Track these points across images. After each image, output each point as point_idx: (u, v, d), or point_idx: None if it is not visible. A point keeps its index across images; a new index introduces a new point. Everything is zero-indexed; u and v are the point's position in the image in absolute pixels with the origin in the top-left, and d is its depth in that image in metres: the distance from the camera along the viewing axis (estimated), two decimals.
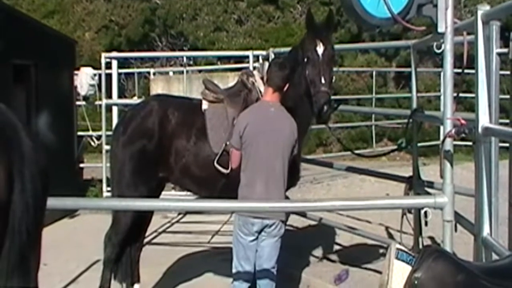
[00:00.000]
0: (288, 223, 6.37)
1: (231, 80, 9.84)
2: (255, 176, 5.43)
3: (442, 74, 6.54)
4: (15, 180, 1.90)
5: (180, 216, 10.77)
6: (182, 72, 13.21)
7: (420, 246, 5.94)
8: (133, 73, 19.96)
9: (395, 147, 6.59)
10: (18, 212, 1.91)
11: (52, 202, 2.16)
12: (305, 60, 5.60)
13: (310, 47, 5.61)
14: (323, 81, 5.47)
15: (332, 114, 5.73)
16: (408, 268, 2.18)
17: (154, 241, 9.19)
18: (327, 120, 5.73)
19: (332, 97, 5.66)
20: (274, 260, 5.53)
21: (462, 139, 4.25)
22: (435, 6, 4.08)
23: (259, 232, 5.46)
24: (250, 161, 5.47)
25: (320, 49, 5.58)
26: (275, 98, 5.59)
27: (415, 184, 6.29)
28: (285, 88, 5.60)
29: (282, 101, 5.66)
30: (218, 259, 7.78)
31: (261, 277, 5.50)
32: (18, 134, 1.97)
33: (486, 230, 3.90)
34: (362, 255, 7.89)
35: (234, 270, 5.60)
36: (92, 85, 12.79)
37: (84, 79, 12.69)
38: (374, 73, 19.06)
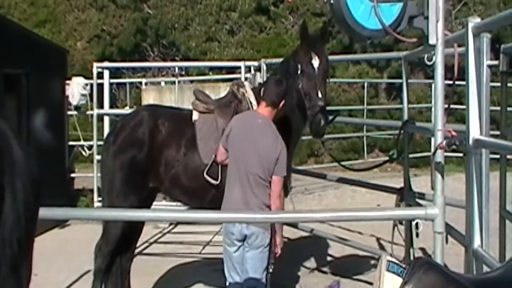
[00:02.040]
0: None
1: (223, 90, 9.85)
2: (233, 180, 5.40)
3: (433, 85, 6.56)
4: (6, 190, 1.88)
5: (171, 226, 10.76)
6: (174, 82, 13.21)
7: (412, 258, 5.94)
8: (125, 83, 19.91)
9: (387, 158, 6.60)
10: (9, 223, 1.89)
11: (43, 212, 2.14)
12: (299, 72, 5.58)
13: (304, 59, 5.59)
14: (319, 95, 5.46)
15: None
16: (399, 280, 2.18)
17: (145, 251, 9.15)
18: (323, 134, 5.66)
19: None
20: (260, 272, 5.41)
21: (453, 150, 4.26)
22: (426, 18, 4.10)
23: (241, 242, 5.38)
24: (230, 164, 5.45)
25: (315, 62, 5.56)
26: (267, 113, 5.49)
27: (406, 196, 6.30)
28: (280, 105, 5.50)
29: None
30: (209, 269, 7.76)
31: None
32: (9, 144, 1.95)
33: (477, 242, 3.91)
34: (354, 266, 7.90)
35: (227, 282, 5.58)
36: (84, 95, 12.76)
37: (75, 88, 12.67)
38: (365, 84, 19.15)
